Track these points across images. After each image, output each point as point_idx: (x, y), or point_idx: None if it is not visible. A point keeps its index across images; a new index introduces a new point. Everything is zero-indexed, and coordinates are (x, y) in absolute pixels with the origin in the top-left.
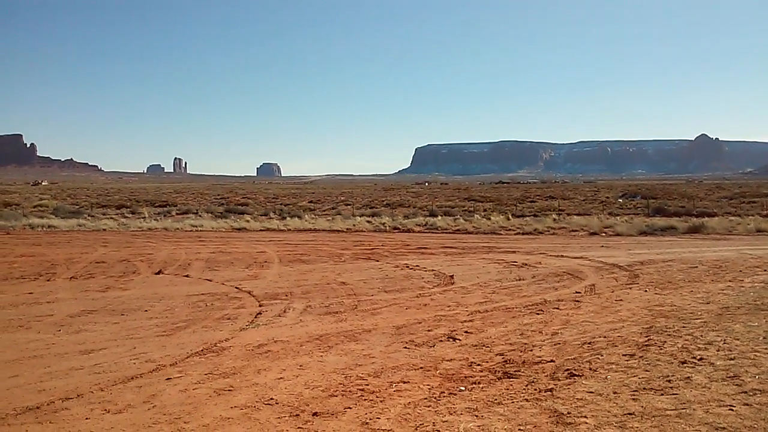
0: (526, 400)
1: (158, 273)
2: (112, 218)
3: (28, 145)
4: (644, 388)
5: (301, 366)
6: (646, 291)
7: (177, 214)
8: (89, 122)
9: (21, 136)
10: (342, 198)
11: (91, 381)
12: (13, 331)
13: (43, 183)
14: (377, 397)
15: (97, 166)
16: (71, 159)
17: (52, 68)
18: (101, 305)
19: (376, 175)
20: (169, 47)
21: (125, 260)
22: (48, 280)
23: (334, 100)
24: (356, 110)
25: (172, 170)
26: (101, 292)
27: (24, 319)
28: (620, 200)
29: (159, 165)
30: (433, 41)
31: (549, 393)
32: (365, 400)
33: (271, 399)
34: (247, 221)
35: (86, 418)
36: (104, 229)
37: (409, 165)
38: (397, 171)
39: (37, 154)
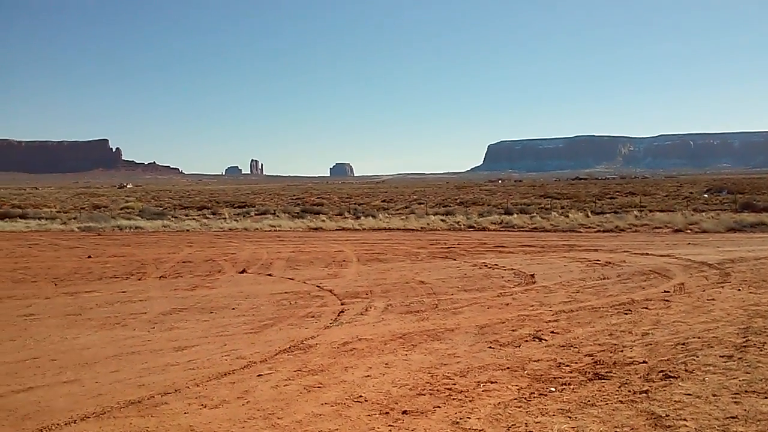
0: (621, 401)
1: (242, 272)
2: (194, 219)
3: (114, 150)
4: (746, 391)
5: (386, 364)
6: (739, 290)
7: (255, 214)
8: (170, 127)
9: (107, 141)
10: (414, 197)
11: (186, 377)
12: (111, 328)
13: (128, 186)
14: (465, 396)
15: (178, 169)
16: (154, 162)
17: (137, 76)
18: (190, 303)
19: (448, 173)
20: (248, 55)
21: (210, 260)
22: (139, 280)
23: (405, 99)
24: (427, 108)
25: (249, 172)
26: (189, 290)
27: (120, 316)
28: (705, 195)
29: (236, 167)
30: (504, 36)
31: (644, 395)
32: (454, 399)
33: (360, 396)
34: (323, 221)
35: (185, 413)
36: (187, 230)
37: (482, 162)
38: (469, 169)
39: (122, 158)
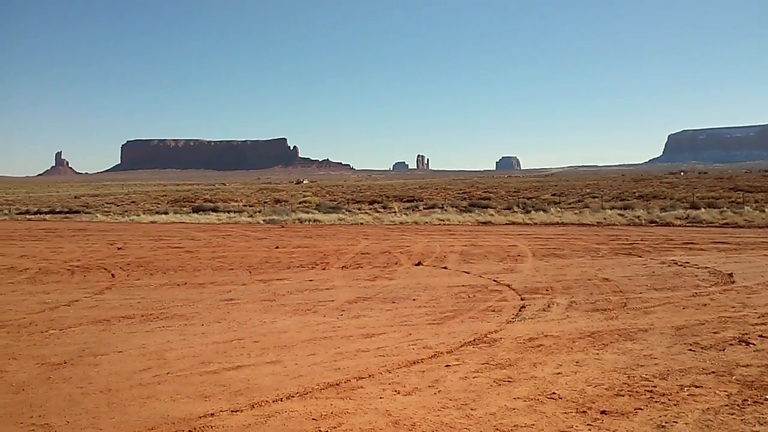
0: None
1: (418, 264)
2: (366, 213)
3: (291, 148)
4: None
5: (577, 362)
6: None
7: (424, 208)
8: (343, 126)
9: (285, 139)
10: (587, 190)
11: (377, 363)
12: (303, 314)
13: (304, 181)
14: (669, 400)
15: (349, 165)
16: (327, 159)
17: (314, 79)
18: (373, 293)
19: (624, 165)
20: (414, 54)
21: (386, 252)
22: (323, 269)
23: (574, 89)
24: (599, 97)
25: (415, 167)
26: (370, 281)
27: (310, 303)
28: None
29: (403, 162)
30: (685, 11)
31: None
32: (656, 402)
33: (554, 393)
34: (492, 215)
35: (380, 398)
36: (361, 223)
37: (661, 153)
38: (647, 160)
39: (299, 156)
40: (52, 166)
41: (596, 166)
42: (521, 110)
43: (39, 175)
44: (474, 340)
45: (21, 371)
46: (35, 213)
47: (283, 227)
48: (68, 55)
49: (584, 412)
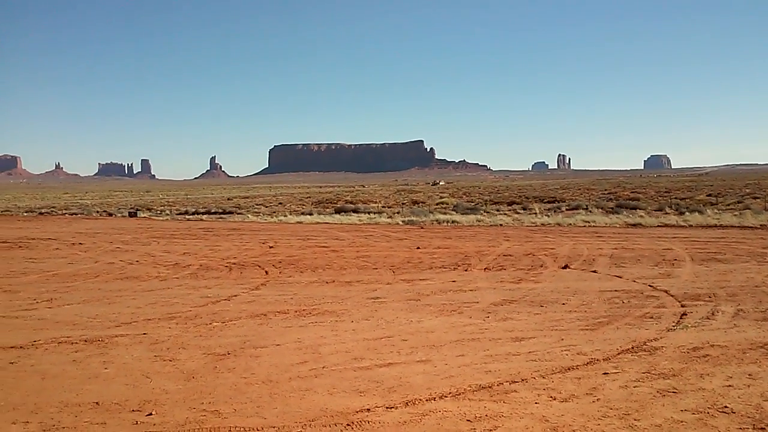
0: None
1: (565, 267)
2: (505, 214)
3: (428, 149)
4: None
5: (750, 375)
6: None
7: (566, 209)
8: (479, 126)
9: (422, 141)
10: (747, 190)
11: (529, 367)
12: (449, 314)
13: (440, 183)
14: None
15: (486, 166)
16: (464, 160)
17: (450, 82)
18: (519, 296)
19: None
20: (545, 48)
21: (530, 254)
22: (465, 270)
23: (730, 81)
24: (758, 89)
25: (555, 166)
26: (515, 283)
27: (455, 304)
28: None
29: (543, 162)
30: None
31: None
32: None
33: (725, 407)
34: (641, 216)
35: (535, 403)
36: (501, 224)
37: None
38: None
39: (435, 157)
40: (207, 170)
41: (756, 164)
42: (672, 105)
43: (195, 178)
44: (632, 347)
45: (190, 360)
46: (193, 213)
47: (422, 228)
48: (224, 68)
49: (762, 429)
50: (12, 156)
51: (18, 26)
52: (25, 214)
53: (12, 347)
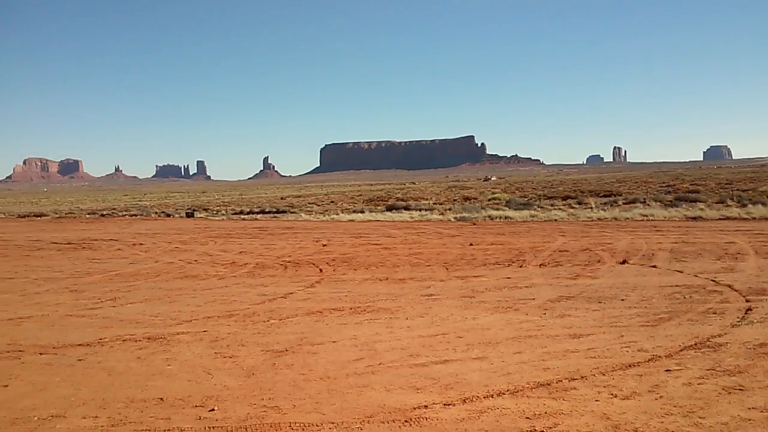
0: None
1: (623, 262)
2: (560, 209)
3: (479, 145)
4: None
5: None
6: None
7: (623, 203)
8: (531, 120)
9: (473, 137)
10: None
11: (589, 364)
12: (504, 311)
13: (492, 178)
14: None
15: (539, 160)
16: (516, 155)
17: (500, 76)
18: (576, 292)
19: None
20: (599, 40)
21: (586, 249)
22: (520, 267)
23: None
24: None
25: (611, 159)
26: (572, 279)
27: (510, 301)
28: None
29: (598, 155)
30: None
31: None
32: None
33: None
34: (701, 209)
35: (596, 400)
36: (555, 220)
37: None
38: None
39: (487, 153)
40: (261, 170)
41: None
42: (733, 94)
43: (249, 178)
44: (695, 344)
45: (249, 357)
46: (248, 213)
47: (474, 224)
48: (278, 71)
49: None
50: (74, 160)
51: (79, 36)
52: (88, 216)
53: (80, 344)
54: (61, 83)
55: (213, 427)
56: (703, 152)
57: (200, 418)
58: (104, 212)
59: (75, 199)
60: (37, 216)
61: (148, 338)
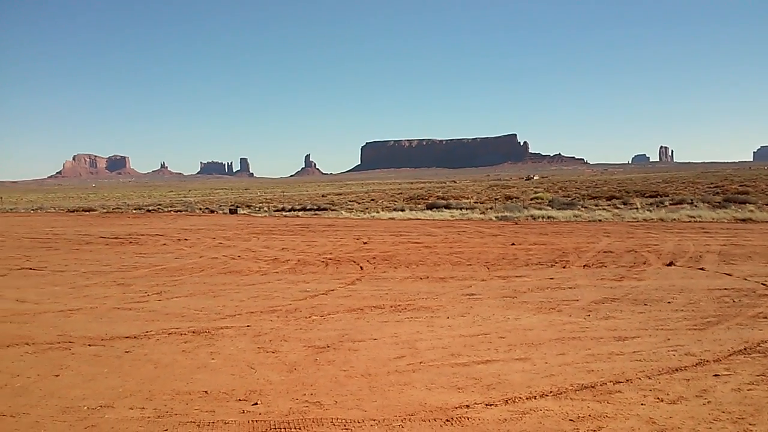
0: None
1: (669, 264)
2: (604, 209)
3: (521, 144)
4: None
5: None
6: None
7: (670, 204)
8: (575, 119)
9: (515, 135)
10: None
11: (634, 368)
12: (547, 312)
13: (534, 177)
14: None
15: (583, 159)
16: (559, 154)
17: (543, 75)
18: (621, 294)
19: None
20: (644, 37)
21: (632, 251)
22: (563, 267)
23: None
24: None
25: (657, 159)
26: (617, 281)
27: (553, 302)
28: None
29: (644, 155)
30: None
31: None
32: None
33: None
34: (751, 211)
35: (641, 404)
36: (600, 220)
37: None
38: None
39: (529, 151)
40: (302, 168)
41: None
42: None
43: (291, 176)
44: (745, 348)
45: (292, 352)
46: (290, 210)
47: (516, 224)
48: (319, 69)
49: None
50: (121, 156)
51: (126, 37)
52: (134, 211)
53: (127, 337)
54: (110, 81)
55: (256, 421)
56: (753, 152)
57: (244, 412)
58: (150, 208)
59: (122, 194)
60: (86, 211)
61: (193, 332)
